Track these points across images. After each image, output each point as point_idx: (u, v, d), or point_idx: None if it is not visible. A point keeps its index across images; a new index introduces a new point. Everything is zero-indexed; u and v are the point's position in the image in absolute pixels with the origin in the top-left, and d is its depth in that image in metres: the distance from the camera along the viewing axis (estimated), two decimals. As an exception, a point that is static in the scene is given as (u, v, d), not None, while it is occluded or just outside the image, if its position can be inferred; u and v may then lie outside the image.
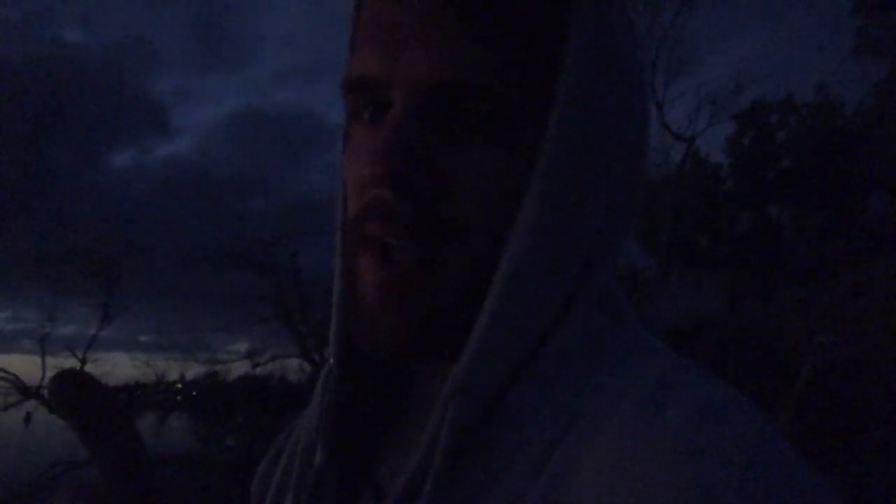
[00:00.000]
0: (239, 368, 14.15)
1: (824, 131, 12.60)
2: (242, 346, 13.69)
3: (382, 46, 0.47)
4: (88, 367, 12.96)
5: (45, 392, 12.41)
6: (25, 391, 12.29)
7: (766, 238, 11.99)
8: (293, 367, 13.85)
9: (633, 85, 0.52)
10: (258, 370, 13.56)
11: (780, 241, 11.52)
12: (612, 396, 0.43)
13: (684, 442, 0.38)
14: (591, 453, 0.41)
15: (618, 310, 0.53)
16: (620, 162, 0.51)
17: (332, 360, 0.59)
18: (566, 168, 0.47)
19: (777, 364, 7.45)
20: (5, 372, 12.10)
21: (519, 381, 0.47)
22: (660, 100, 10.11)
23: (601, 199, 0.50)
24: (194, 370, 15.06)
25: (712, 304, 10.75)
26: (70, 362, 12.92)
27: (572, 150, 0.47)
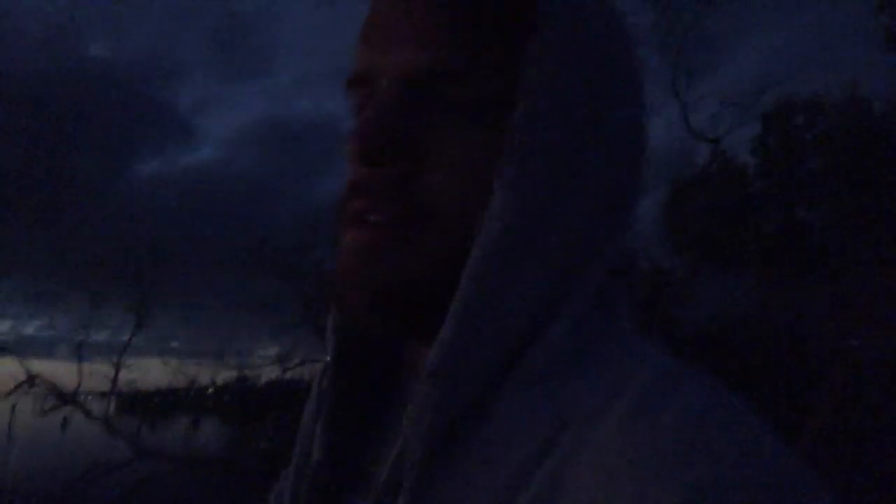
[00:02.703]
0: (269, 373, 14.27)
1: (853, 130, 12.39)
2: (272, 351, 13.81)
3: (372, 43, 0.52)
4: (123, 373, 13.18)
5: (81, 398, 12.65)
6: (62, 397, 12.52)
7: (795, 238, 11.83)
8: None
9: (615, 75, 0.53)
10: (288, 374, 13.64)
11: (810, 242, 11.36)
12: (605, 400, 0.43)
13: (676, 445, 0.38)
14: (585, 456, 0.41)
15: (613, 311, 0.53)
16: (605, 151, 0.52)
17: (328, 357, 0.60)
18: (534, 152, 0.48)
19: (808, 367, 7.34)
20: (42, 379, 12.35)
21: (511, 379, 0.47)
22: (683, 101, 10.04)
23: (582, 188, 0.51)
24: (225, 375, 15.22)
25: (741, 305, 10.62)
26: (105, 369, 13.16)
27: (541, 135, 0.48)
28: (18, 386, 12.20)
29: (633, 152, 0.55)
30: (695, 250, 10.86)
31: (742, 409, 0.42)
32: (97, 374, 13.17)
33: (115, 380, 13.14)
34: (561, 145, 0.49)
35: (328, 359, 0.60)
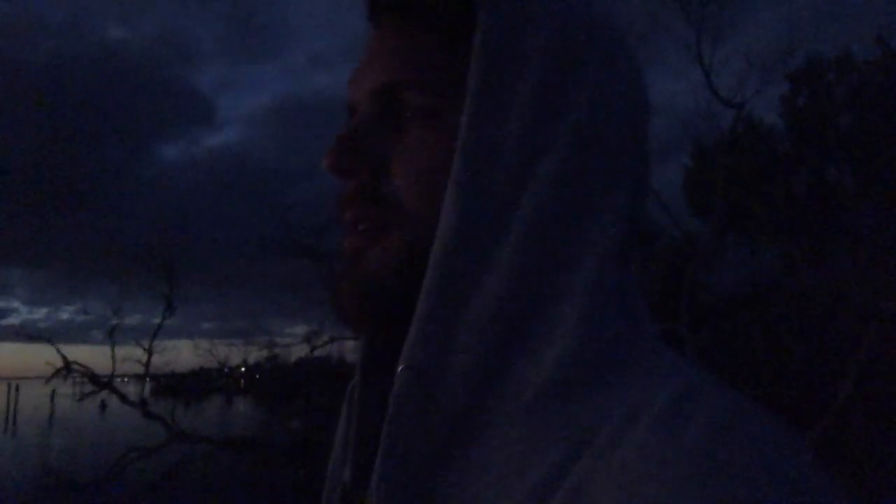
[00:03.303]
0: (298, 351, 14.45)
1: (886, 85, 12.02)
2: (300, 330, 13.96)
3: (353, 81, 0.59)
4: (155, 357, 13.43)
5: (116, 382, 12.92)
6: (99, 382, 12.82)
7: (824, 201, 11.57)
8: (350, 347, 14.05)
9: (573, 67, 0.52)
10: (316, 352, 13.80)
11: (840, 204, 11.11)
12: (628, 417, 0.43)
13: (700, 462, 0.38)
14: (606, 475, 0.40)
15: (635, 315, 0.52)
16: (569, 141, 0.51)
17: (356, 375, 0.62)
18: (480, 149, 0.50)
19: (837, 333, 7.22)
20: (79, 365, 12.64)
21: (524, 386, 0.46)
22: (707, 63, 9.78)
23: (544, 179, 0.50)
24: (255, 355, 15.45)
25: (769, 270, 10.46)
26: (138, 353, 13.43)
27: (484, 132, 0.50)
28: (56, 373, 12.51)
29: (614, 136, 0.53)
30: (722, 214, 10.67)
31: (768, 423, 0.42)
32: (130, 357, 13.47)
33: (148, 363, 13.41)
34: (510, 140, 0.50)
35: (356, 377, 0.62)
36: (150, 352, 13.37)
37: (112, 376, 13.03)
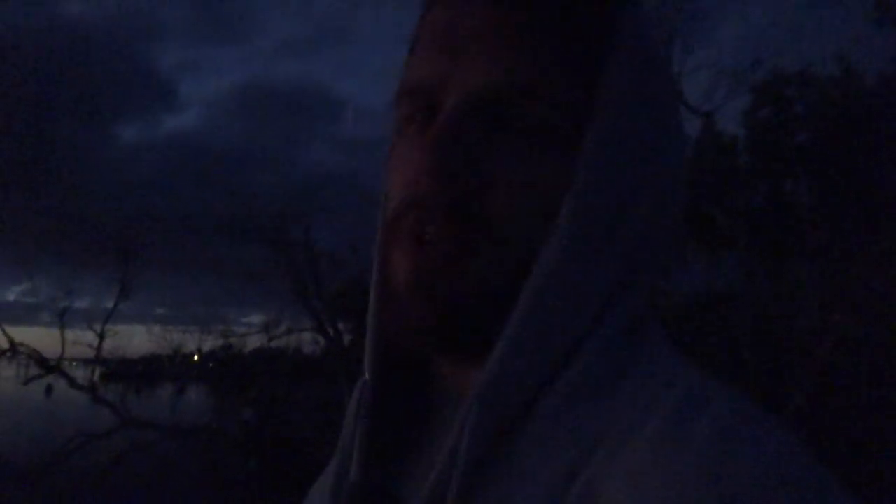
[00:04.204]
0: (254, 341, 14.25)
1: (843, 103, 12.37)
2: (257, 319, 13.78)
3: (441, 52, 0.50)
4: (107, 341, 13.10)
5: (65, 365, 12.57)
6: (45, 365, 12.45)
7: (781, 213, 11.86)
8: (307, 339, 13.93)
9: (669, 100, 0.54)
10: (273, 343, 13.64)
11: (797, 217, 11.39)
12: (637, 417, 0.44)
13: (708, 462, 0.38)
14: (618, 472, 0.41)
15: (644, 329, 0.53)
16: (657, 179, 0.52)
17: (367, 375, 0.59)
18: (602, 183, 0.49)
19: (792, 342, 7.41)
20: (25, 346, 12.25)
21: (544, 397, 0.47)
22: (678, 73, 9.92)
23: (638, 217, 0.51)
24: (210, 343, 15.17)
25: (727, 280, 10.69)
26: (88, 336, 13.07)
27: (609, 166, 0.49)
28: (1, 354, 12.10)
29: (678, 175, 0.55)
30: (683, 224, 10.84)
31: (771, 423, 0.42)
32: (81, 341, 13.12)
33: (99, 347, 13.07)
34: (627, 172, 0.50)
35: (366, 376, 0.59)
36: (102, 336, 13.03)
37: (60, 359, 12.66)
